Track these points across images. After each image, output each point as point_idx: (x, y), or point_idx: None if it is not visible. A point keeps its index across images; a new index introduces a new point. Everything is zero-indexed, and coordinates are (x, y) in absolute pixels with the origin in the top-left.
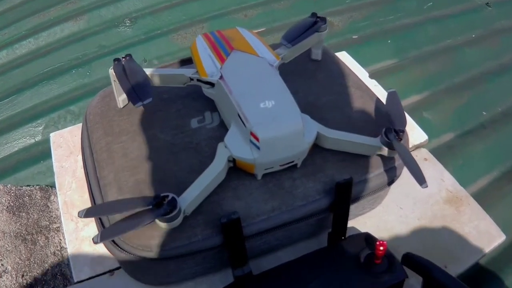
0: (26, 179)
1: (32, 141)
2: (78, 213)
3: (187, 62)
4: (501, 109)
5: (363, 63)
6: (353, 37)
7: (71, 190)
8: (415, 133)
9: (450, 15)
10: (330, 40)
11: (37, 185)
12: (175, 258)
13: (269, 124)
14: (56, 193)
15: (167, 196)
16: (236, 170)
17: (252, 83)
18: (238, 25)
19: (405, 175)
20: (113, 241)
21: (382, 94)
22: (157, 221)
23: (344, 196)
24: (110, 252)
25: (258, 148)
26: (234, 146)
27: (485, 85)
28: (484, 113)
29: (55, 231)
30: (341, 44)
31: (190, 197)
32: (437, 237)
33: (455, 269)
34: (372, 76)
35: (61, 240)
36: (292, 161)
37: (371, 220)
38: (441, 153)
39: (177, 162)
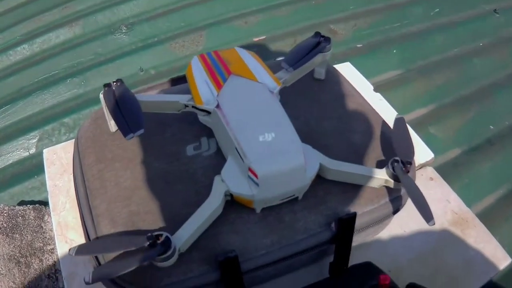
0: (20, 194)
1: (26, 154)
2: (69, 250)
3: (182, 80)
4: (509, 123)
5: (367, 74)
6: (357, 46)
7: (65, 211)
8: (420, 151)
9: (457, 22)
10: (333, 49)
11: (30, 204)
12: None
13: (269, 160)
14: (50, 213)
15: (161, 235)
16: (233, 202)
17: (251, 112)
18: (238, 33)
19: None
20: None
21: (387, 109)
22: (152, 262)
23: (346, 230)
24: (103, 284)
25: (257, 184)
26: (232, 181)
27: (493, 97)
28: (492, 127)
29: (49, 253)
30: (344, 53)
31: (186, 235)
32: (441, 262)
33: None
34: (376, 89)
35: (55, 262)
36: (293, 195)
37: (373, 244)
38: (446, 171)
39: (172, 193)
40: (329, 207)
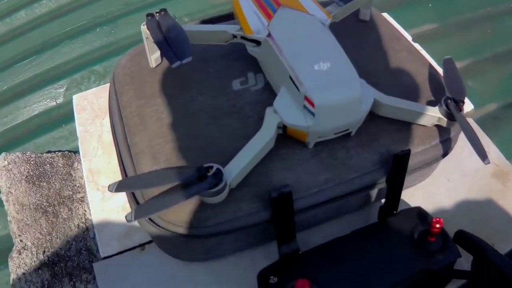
0: (46, 144)
1: (53, 103)
2: (109, 186)
3: (224, 19)
4: None
5: (404, 26)
6: None
7: (96, 157)
8: None
9: None
10: None
11: (58, 151)
12: (217, 235)
13: (326, 89)
14: (80, 160)
15: (211, 167)
16: (284, 137)
17: (304, 42)
18: None
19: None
20: None
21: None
22: (201, 197)
23: (400, 168)
24: (143, 228)
25: (313, 114)
26: (286, 111)
27: None
28: None
29: (79, 202)
30: (380, 5)
31: (237, 169)
32: (484, 213)
33: (503, 247)
34: (414, 40)
35: (85, 211)
36: (347, 129)
37: (418, 192)
38: (485, 124)
39: (219, 128)
40: (382, 144)
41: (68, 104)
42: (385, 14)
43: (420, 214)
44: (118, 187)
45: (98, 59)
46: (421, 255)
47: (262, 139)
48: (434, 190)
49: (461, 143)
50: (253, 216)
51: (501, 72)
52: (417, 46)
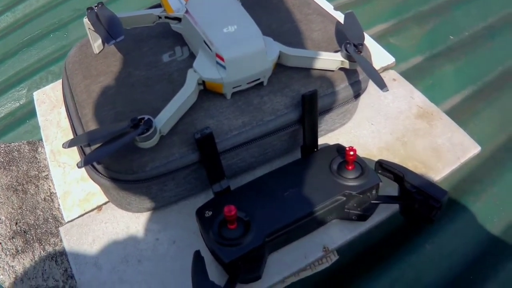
0: (14, 139)
1: (17, 104)
2: (63, 144)
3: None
4: (469, 33)
5: None
6: None
7: (56, 140)
8: (381, 56)
9: None
10: None
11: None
12: (156, 178)
13: (233, 45)
14: (43, 145)
15: (143, 117)
16: (207, 93)
17: (215, 13)
18: None
19: (374, 93)
20: (96, 169)
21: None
22: (136, 143)
23: (311, 108)
24: (95, 182)
25: (224, 68)
26: (203, 69)
27: (452, 13)
28: (452, 37)
29: (44, 179)
30: None
31: (165, 118)
32: (410, 150)
33: (431, 178)
34: (337, 8)
35: (50, 186)
36: (258, 79)
37: (343, 136)
38: (410, 75)
39: (152, 92)
40: (293, 90)
41: (30, 103)
42: None
43: (338, 149)
44: (70, 144)
45: (54, 60)
46: (341, 182)
47: (185, 93)
48: (358, 133)
49: (384, 93)
50: (184, 159)
51: (424, 28)
52: (338, 13)
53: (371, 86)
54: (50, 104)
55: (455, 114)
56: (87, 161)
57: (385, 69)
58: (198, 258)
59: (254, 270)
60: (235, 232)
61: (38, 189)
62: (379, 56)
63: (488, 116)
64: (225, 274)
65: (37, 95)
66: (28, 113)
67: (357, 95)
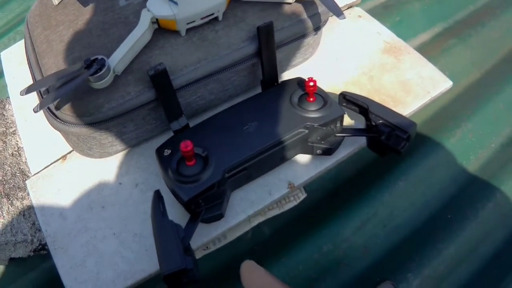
0: None
1: None
2: (20, 92)
3: None
4: None
5: None
6: None
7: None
8: None
9: None
10: None
11: None
12: (114, 119)
13: None
14: (10, 102)
15: (96, 58)
16: (162, 32)
17: None
18: None
19: (338, 30)
20: (54, 115)
21: None
22: (91, 84)
23: (267, 40)
24: (55, 128)
25: (176, 4)
26: (155, 7)
27: None
28: None
29: (12, 135)
30: None
31: (118, 57)
32: (377, 84)
33: (400, 111)
34: None
35: (17, 141)
36: (212, 14)
37: (307, 71)
38: (376, 12)
39: (108, 35)
40: (248, 24)
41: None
42: None
43: (299, 82)
44: (27, 90)
45: (22, 20)
46: (302, 114)
47: (138, 32)
48: (323, 69)
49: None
50: (140, 97)
51: None
52: None
53: (336, 22)
54: (16, 61)
55: (425, 50)
56: (42, 105)
57: (350, 6)
58: (157, 197)
59: (216, 208)
60: (194, 169)
61: (6, 145)
62: None
63: (460, 52)
64: (188, 215)
65: (4, 54)
66: None
67: (317, 28)
